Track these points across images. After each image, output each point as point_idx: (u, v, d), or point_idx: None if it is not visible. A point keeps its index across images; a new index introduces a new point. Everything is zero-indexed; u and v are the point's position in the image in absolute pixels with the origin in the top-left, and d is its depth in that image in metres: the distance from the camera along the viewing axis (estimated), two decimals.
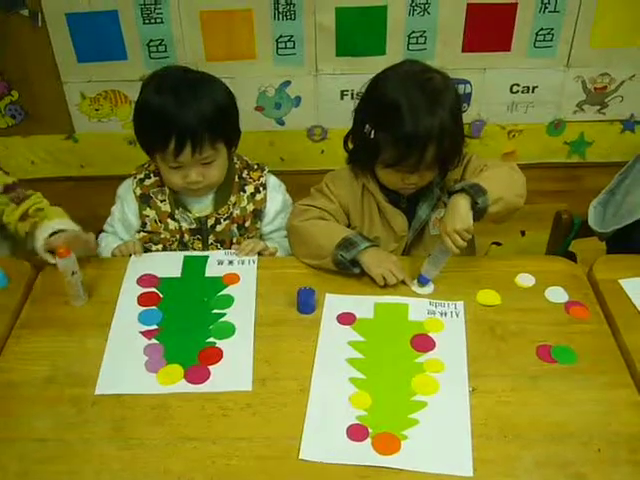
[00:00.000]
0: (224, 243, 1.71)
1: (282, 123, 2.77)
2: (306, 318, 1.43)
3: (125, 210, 1.71)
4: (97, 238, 1.74)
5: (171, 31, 2.52)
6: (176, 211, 1.68)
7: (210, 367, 1.32)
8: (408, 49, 2.57)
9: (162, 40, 2.54)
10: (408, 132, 1.43)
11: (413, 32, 2.54)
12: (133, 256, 1.60)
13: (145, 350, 1.36)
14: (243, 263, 1.58)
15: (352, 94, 2.63)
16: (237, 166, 1.73)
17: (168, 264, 1.58)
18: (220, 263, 1.59)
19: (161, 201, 1.68)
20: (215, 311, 1.45)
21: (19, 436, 1.19)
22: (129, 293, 1.50)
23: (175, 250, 1.70)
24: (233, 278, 1.54)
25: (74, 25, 2.50)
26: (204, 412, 1.23)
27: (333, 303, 1.46)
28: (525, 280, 1.52)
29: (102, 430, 1.20)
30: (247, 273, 1.55)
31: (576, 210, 1.92)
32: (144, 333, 1.40)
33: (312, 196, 1.68)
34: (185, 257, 1.61)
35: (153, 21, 2.49)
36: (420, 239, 1.68)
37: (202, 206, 1.70)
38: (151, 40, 2.54)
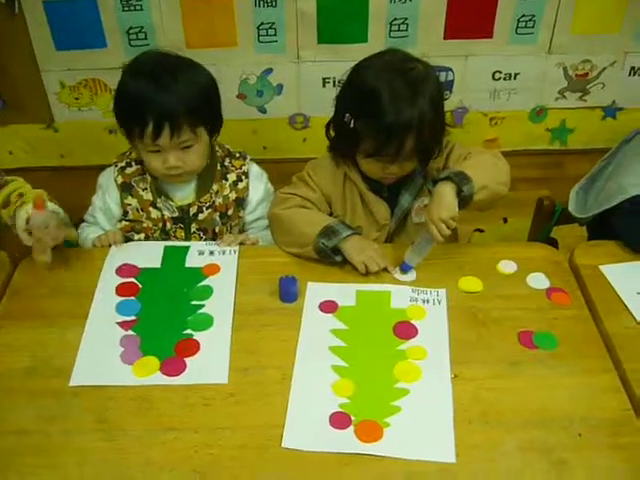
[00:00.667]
0: (206, 232, 1.71)
1: (264, 111, 2.75)
2: (288, 307, 1.43)
3: (106, 199, 1.70)
4: (77, 229, 1.74)
5: (151, 18, 2.48)
6: (158, 199, 1.67)
7: (186, 359, 1.31)
8: (390, 36, 2.56)
9: (142, 27, 2.51)
10: (388, 122, 1.43)
11: (395, 19, 2.52)
12: (113, 246, 1.59)
13: (121, 341, 1.35)
14: (224, 253, 1.57)
15: (334, 82, 2.61)
16: (219, 154, 1.72)
17: (148, 254, 1.57)
18: (201, 253, 1.57)
19: (143, 189, 1.67)
20: (194, 302, 1.44)
21: (0, 429, 1.18)
22: (108, 283, 1.48)
23: (157, 239, 1.69)
24: (213, 268, 1.53)
25: (52, 12, 2.45)
26: (186, 402, 1.23)
27: (315, 291, 1.46)
28: (507, 267, 1.52)
29: (84, 422, 1.20)
30: (228, 264, 1.54)
31: (558, 197, 1.92)
32: (121, 324, 1.39)
33: (294, 184, 1.67)
34: (166, 247, 1.59)
35: (133, 8, 2.46)
36: (402, 227, 1.68)
37: (184, 194, 1.69)
38: (131, 27, 2.50)
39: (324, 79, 2.64)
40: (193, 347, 1.34)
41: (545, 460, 1.14)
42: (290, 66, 2.62)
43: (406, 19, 2.53)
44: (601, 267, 1.51)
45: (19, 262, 1.55)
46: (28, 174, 2.42)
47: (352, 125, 1.49)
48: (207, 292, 1.46)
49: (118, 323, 1.39)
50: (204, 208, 1.68)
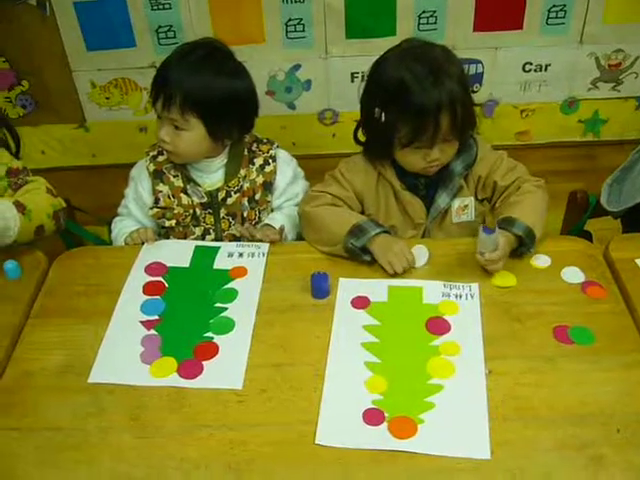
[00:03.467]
0: (235, 217, 1.72)
1: (293, 107, 2.75)
2: (320, 303, 1.42)
3: (139, 189, 1.73)
4: (111, 225, 1.76)
5: (180, 16, 2.50)
6: (188, 186, 1.69)
7: (204, 362, 1.30)
8: (419, 29, 2.54)
9: (171, 26, 2.52)
10: (417, 104, 1.42)
11: (423, 12, 2.51)
12: (145, 244, 1.60)
13: (143, 341, 1.35)
14: (252, 256, 1.56)
15: (362, 76, 2.59)
16: (246, 140, 1.74)
17: (178, 253, 1.57)
18: (230, 255, 1.56)
19: (174, 176, 1.70)
20: (217, 305, 1.43)
21: (36, 426, 1.20)
22: (136, 281, 1.49)
23: (188, 225, 1.71)
24: (240, 271, 1.51)
25: (82, 13, 2.48)
26: (219, 399, 1.23)
27: (347, 287, 1.45)
28: (541, 261, 1.50)
29: (118, 419, 1.20)
30: (255, 267, 1.53)
31: (591, 189, 1.89)
32: (144, 323, 1.39)
33: (326, 182, 1.66)
34: (196, 247, 1.59)
35: (161, 7, 2.48)
36: (439, 227, 1.67)
37: (213, 180, 1.72)
38: (160, 26, 2.52)
39: (352, 74, 2.64)
40: (212, 350, 1.33)
41: (582, 456, 1.12)
42: (318, 62, 2.62)
43: (435, 12, 2.51)
44: (637, 260, 1.48)
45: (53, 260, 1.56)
46: (60, 174, 2.46)
47: (383, 119, 1.48)
48: (232, 295, 1.45)
49: (142, 322, 1.39)
50: (232, 192, 1.70)
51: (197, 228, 1.72)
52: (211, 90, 1.59)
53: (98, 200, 2.04)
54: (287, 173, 1.77)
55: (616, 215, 1.76)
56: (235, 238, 1.70)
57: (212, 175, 1.72)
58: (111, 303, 1.43)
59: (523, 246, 1.48)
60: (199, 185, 1.70)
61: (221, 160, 1.72)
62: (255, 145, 1.75)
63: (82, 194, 1.88)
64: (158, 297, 1.45)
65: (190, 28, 2.52)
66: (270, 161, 1.74)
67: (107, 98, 2.71)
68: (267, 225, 1.70)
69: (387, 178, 1.61)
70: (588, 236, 1.85)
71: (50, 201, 1.56)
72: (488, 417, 1.18)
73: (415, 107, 1.43)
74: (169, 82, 1.58)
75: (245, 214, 1.73)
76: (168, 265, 1.54)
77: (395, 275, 1.47)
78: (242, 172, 1.71)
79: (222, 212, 1.72)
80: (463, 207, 1.63)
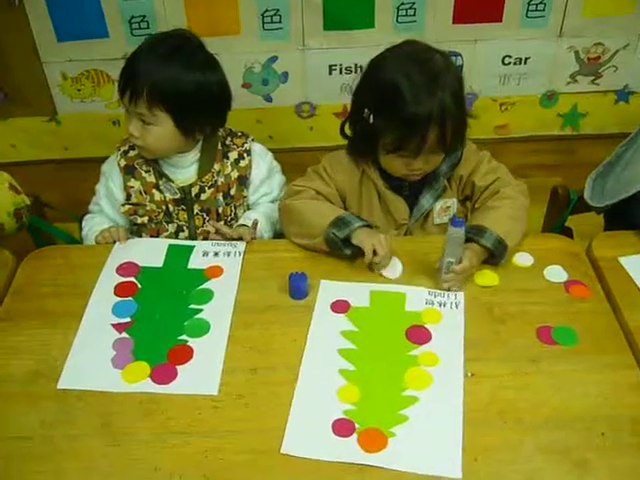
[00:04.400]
0: (209, 213, 1.69)
1: (270, 100, 2.71)
2: (299, 304, 1.39)
3: (110, 185, 1.69)
4: (82, 223, 1.72)
5: (153, 7, 2.44)
6: (160, 181, 1.65)
7: (178, 367, 1.27)
8: (397, 21, 2.50)
9: (144, 16, 2.46)
10: (409, 113, 1.38)
11: (402, 4, 2.47)
12: (117, 243, 1.55)
13: (114, 345, 1.31)
14: (229, 255, 1.53)
15: (340, 69, 2.56)
16: (220, 134, 1.70)
17: (151, 252, 1.53)
18: (205, 254, 1.53)
19: (145, 172, 1.66)
20: (192, 306, 1.39)
21: (2, 435, 1.15)
22: (107, 282, 1.45)
23: (160, 222, 1.67)
24: (216, 271, 1.48)
25: (52, 2, 2.41)
26: (194, 404, 1.19)
27: (327, 289, 1.42)
28: (524, 259, 1.49)
29: (89, 426, 1.16)
30: (231, 266, 1.49)
31: (571, 183, 1.88)
32: (116, 326, 1.35)
33: (308, 176, 1.63)
34: (170, 246, 1.55)
35: None
36: (422, 227, 1.64)
37: (186, 176, 1.67)
38: (132, 16, 2.46)
39: (330, 66, 2.60)
40: (186, 354, 1.29)
41: (567, 461, 1.10)
42: (296, 54, 2.58)
43: (414, 3, 2.48)
44: (620, 258, 1.47)
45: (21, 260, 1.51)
46: (31, 168, 2.40)
47: (371, 121, 1.44)
48: (207, 296, 1.42)
49: (113, 325, 1.35)
50: (206, 188, 1.66)
51: (170, 225, 1.69)
52: (180, 83, 1.53)
53: (70, 195, 1.99)
54: (262, 167, 1.74)
55: (599, 211, 1.74)
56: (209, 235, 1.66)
57: (185, 170, 1.67)
58: (81, 305, 1.39)
59: (493, 258, 1.45)
60: (172, 181, 1.66)
61: (194, 155, 1.67)
62: (229, 139, 1.71)
63: (53, 189, 1.83)
64: (130, 298, 1.41)
65: (164, 18, 2.46)
66: (245, 155, 1.71)
67: (79, 90, 2.64)
68: (241, 225, 1.66)
69: (371, 177, 1.58)
70: (569, 232, 1.84)
71: (12, 199, 1.52)
72: (462, 434, 1.14)
73: (405, 115, 1.38)
74: (136, 74, 1.53)
75: (220, 210, 1.69)
76: (141, 265, 1.49)
77: (372, 270, 1.44)
78: (216, 167, 1.67)
79: (196, 208, 1.68)
80: (445, 208, 1.61)
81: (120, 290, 1.43)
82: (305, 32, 2.53)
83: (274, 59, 2.60)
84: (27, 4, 2.41)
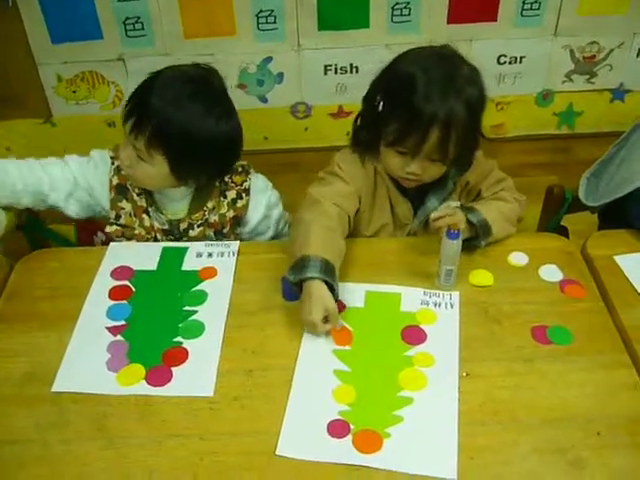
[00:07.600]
0: None
1: (265, 101, 2.71)
2: (293, 305, 1.38)
3: (92, 172, 1.60)
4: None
5: (148, 8, 2.44)
6: (149, 208, 1.59)
7: (173, 369, 1.26)
8: (392, 21, 2.51)
9: (138, 18, 2.46)
10: (414, 106, 1.34)
11: (397, 3, 2.47)
12: (110, 246, 1.54)
13: (109, 347, 1.30)
14: (222, 255, 1.51)
15: (336, 69, 2.57)
16: None
17: (145, 255, 1.52)
18: (199, 255, 1.52)
19: (138, 194, 1.58)
20: (186, 308, 1.39)
21: None
22: (101, 285, 1.44)
23: None
24: (210, 272, 1.47)
25: (46, 4, 2.41)
26: (190, 406, 1.19)
27: None
28: (518, 259, 1.48)
29: (84, 429, 1.16)
30: (225, 267, 1.48)
31: (566, 182, 1.87)
32: (110, 329, 1.34)
33: (325, 181, 1.54)
34: (164, 248, 1.54)
35: None
36: (425, 229, 1.61)
37: (176, 208, 1.61)
38: (127, 18, 2.46)
39: (325, 66, 2.60)
40: (181, 356, 1.28)
41: (562, 461, 1.10)
42: (291, 54, 2.58)
43: (408, 3, 2.48)
44: (616, 257, 1.46)
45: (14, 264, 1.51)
46: None
47: (380, 108, 1.42)
48: (201, 297, 1.41)
49: (108, 328, 1.34)
50: (195, 226, 1.60)
51: None
52: (188, 133, 1.43)
53: None
54: (260, 208, 1.64)
55: (594, 210, 1.74)
56: None
57: (176, 203, 1.61)
58: (76, 308, 1.38)
59: (475, 239, 1.46)
60: (161, 211, 1.60)
61: (187, 189, 1.59)
62: (228, 176, 1.60)
63: None
64: (124, 302, 1.41)
65: (158, 20, 2.46)
66: (243, 195, 1.61)
67: (74, 92, 2.64)
68: None
69: (382, 174, 1.55)
70: (564, 231, 1.84)
71: None
72: (458, 434, 1.14)
73: (410, 107, 1.35)
74: (144, 108, 1.42)
75: None
76: (135, 268, 1.49)
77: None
78: (210, 204, 1.60)
79: (184, 240, 1.61)
80: (444, 208, 1.59)
81: (114, 294, 1.42)
82: (300, 32, 2.53)
83: (269, 60, 2.60)
84: (21, 6, 2.42)
